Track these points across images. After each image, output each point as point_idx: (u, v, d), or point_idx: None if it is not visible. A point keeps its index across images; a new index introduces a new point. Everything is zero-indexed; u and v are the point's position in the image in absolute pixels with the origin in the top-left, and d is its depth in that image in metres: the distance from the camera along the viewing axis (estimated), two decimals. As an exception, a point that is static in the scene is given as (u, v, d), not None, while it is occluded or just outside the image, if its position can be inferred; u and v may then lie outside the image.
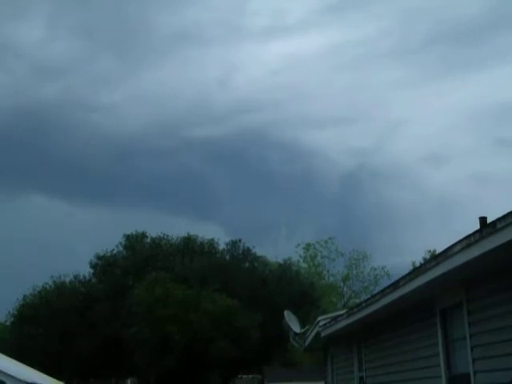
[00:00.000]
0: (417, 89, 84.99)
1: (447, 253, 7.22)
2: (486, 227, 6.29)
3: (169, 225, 63.81)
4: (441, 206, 68.24)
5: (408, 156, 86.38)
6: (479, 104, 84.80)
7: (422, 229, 63.51)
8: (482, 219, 6.81)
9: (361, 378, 13.26)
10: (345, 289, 50.82)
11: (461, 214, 61.67)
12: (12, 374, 12.76)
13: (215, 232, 64.42)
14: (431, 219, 66.55)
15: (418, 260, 35.06)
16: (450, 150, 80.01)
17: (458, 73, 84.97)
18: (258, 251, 39.06)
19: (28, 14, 72.98)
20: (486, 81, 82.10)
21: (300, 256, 50.04)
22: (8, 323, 38.13)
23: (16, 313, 34.07)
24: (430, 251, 38.29)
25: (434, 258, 7.72)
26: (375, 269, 49.58)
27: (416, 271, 8.32)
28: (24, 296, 34.31)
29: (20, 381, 12.69)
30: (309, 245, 50.71)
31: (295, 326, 17.48)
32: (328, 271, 50.87)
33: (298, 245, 50.53)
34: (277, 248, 58.98)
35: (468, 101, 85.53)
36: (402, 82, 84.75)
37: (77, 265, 42.74)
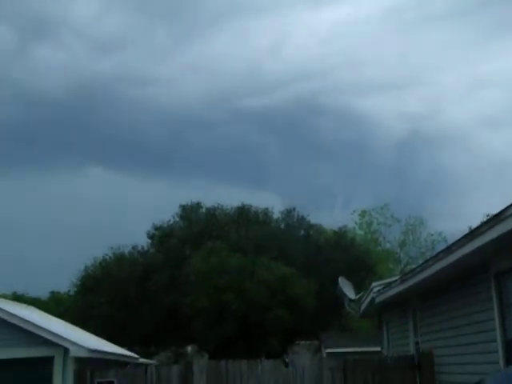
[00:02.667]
0: (471, 51, 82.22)
1: (500, 216, 7.08)
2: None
3: (223, 195, 64.36)
4: (499, 170, 66.32)
5: (463, 120, 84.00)
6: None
7: (480, 193, 61.96)
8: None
9: (416, 343, 13.23)
10: (401, 255, 50.37)
11: (521, 177, 59.81)
12: (76, 342, 13.29)
13: (270, 201, 64.59)
14: (489, 184, 64.90)
15: (476, 225, 34.25)
16: (508, 113, 77.37)
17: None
18: (313, 219, 39.07)
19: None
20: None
21: (355, 223, 49.75)
22: (72, 293, 39.44)
23: (79, 283, 35.17)
24: (488, 215, 37.40)
25: (487, 222, 7.58)
26: (432, 234, 48.87)
27: (469, 235, 8.18)
28: (86, 267, 35.37)
29: (83, 348, 13.21)
30: (364, 211, 50.31)
31: (350, 293, 17.48)
32: (384, 238, 50.43)
33: (354, 212, 50.21)
34: (332, 216, 58.69)
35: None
36: (455, 45, 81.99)
37: (135, 236, 43.69)
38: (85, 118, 79.66)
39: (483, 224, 7.76)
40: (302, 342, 39.83)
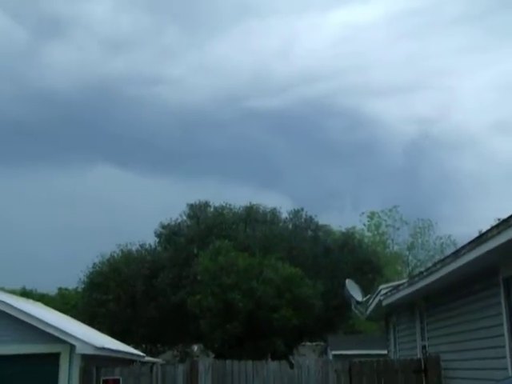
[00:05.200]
0: (482, 55, 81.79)
1: (510, 221, 7.03)
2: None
3: (233, 195, 64.57)
4: (509, 174, 65.92)
5: (473, 124, 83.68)
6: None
7: (490, 197, 61.66)
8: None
9: (423, 347, 13.17)
10: (410, 257, 50.22)
11: (531, 182, 59.44)
12: (82, 338, 13.30)
13: (279, 201, 64.60)
14: (499, 188, 64.47)
15: (486, 229, 34.02)
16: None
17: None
18: (322, 220, 38.96)
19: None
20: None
21: (364, 225, 49.68)
22: (79, 290, 39.52)
23: (86, 280, 35.22)
24: (498, 220, 37.11)
25: (497, 226, 7.52)
26: (441, 238, 48.70)
27: (478, 239, 8.13)
28: (93, 264, 35.43)
29: (90, 345, 13.22)
30: (373, 213, 50.21)
31: (357, 295, 17.45)
32: (393, 240, 50.35)
33: (362, 213, 50.16)
34: (341, 217, 58.58)
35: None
36: (466, 49, 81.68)
37: (143, 234, 43.78)
38: (96, 117, 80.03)
39: (492, 228, 7.71)
40: (308, 344, 39.77)
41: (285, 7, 77.85)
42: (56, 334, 12.93)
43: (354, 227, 45.39)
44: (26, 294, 42.71)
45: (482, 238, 7.93)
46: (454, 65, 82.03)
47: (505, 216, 7.26)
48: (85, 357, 13.01)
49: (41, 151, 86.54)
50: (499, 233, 7.30)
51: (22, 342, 13.06)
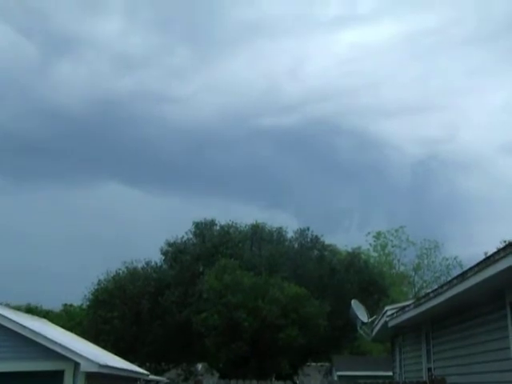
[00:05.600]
0: (490, 77, 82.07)
1: (517, 244, 7.01)
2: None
3: (239, 213, 64.61)
4: (517, 195, 65.77)
5: (481, 145, 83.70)
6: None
7: (497, 219, 61.42)
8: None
9: (429, 369, 13.07)
10: (416, 278, 49.99)
11: (539, 203, 59.26)
12: (87, 356, 13.27)
13: (285, 220, 64.57)
14: (507, 209, 64.32)
15: (493, 251, 33.86)
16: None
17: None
18: (329, 239, 38.91)
19: (106, 9, 74.86)
20: None
21: (370, 245, 49.55)
22: (84, 306, 39.45)
23: (91, 297, 35.16)
24: (505, 242, 36.92)
25: (503, 249, 7.50)
26: (447, 259, 48.52)
27: (484, 262, 8.11)
28: (99, 280, 35.39)
29: (94, 363, 13.18)
30: (379, 233, 50.10)
31: (362, 316, 17.37)
32: (399, 260, 50.16)
33: (369, 233, 50.05)
34: (347, 237, 58.46)
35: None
36: (475, 70, 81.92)
37: (148, 251, 43.80)
38: (105, 134, 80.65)
39: (499, 251, 7.69)
40: (313, 364, 39.51)
41: (295, 26, 78.49)
42: (60, 351, 12.91)
43: (359, 247, 45.31)
44: (31, 310, 42.69)
45: (488, 260, 7.92)
46: (463, 86, 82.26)
47: (511, 238, 7.25)
48: (89, 375, 12.97)
49: (49, 167, 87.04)
50: (505, 255, 7.28)
51: (25, 359, 13.04)
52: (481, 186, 75.96)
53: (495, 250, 8.10)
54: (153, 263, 37.08)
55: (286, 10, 78.98)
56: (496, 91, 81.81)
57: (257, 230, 37.70)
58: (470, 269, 8.61)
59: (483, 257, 8.48)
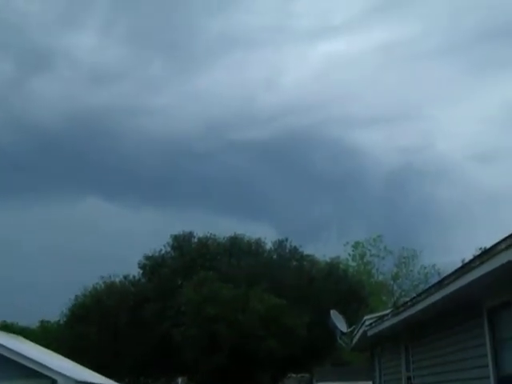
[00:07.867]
0: (463, 86, 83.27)
1: (492, 251, 7.05)
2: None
3: (217, 225, 64.11)
4: (491, 203, 66.57)
5: (455, 154, 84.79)
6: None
7: (473, 227, 62.05)
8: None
9: (408, 378, 13.07)
10: (395, 287, 50.22)
11: (513, 211, 59.95)
12: (63, 373, 13.08)
13: (263, 231, 64.36)
14: (482, 217, 64.98)
15: (469, 258, 34.07)
16: (499, 148, 78.12)
17: (506, 70, 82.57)
18: (307, 250, 38.99)
19: (82, 23, 74.63)
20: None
21: (349, 254, 49.72)
22: (62, 322, 38.95)
23: (68, 312, 34.77)
24: (481, 249, 37.32)
25: (480, 256, 7.54)
26: (425, 267, 48.83)
27: (461, 270, 8.14)
28: (76, 296, 35.04)
29: (71, 379, 12.99)
30: (357, 243, 50.28)
31: (342, 326, 17.35)
32: (377, 269, 50.39)
33: (347, 243, 50.20)
34: (325, 247, 58.60)
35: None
36: (448, 80, 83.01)
37: (126, 265, 43.44)
38: (82, 148, 79.74)
39: (475, 258, 7.72)
40: (294, 376, 39.39)
41: (271, 38, 78.96)
42: (37, 368, 12.71)
43: (338, 257, 45.42)
44: (6, 327, 41.96)
45: (465, 268, 7.94)
46: (437, 95, 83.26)
47: (487, 245, 7.28)
48: (66, 392, 12.77)
49: (27, 182, 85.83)
50: (482, 263, 7.31)
51: (1, 379, 12.81)
52: (457, 193, 76.79)
53: (472, 257, 8.13)
54: (131, 277, 36.86)
55: (261, 21, 79.51)
56: (470, 101, 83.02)
57: (235, 242, 37.66)
58: (447, 276, 8.64)
59: (460, 265, 8.52)
